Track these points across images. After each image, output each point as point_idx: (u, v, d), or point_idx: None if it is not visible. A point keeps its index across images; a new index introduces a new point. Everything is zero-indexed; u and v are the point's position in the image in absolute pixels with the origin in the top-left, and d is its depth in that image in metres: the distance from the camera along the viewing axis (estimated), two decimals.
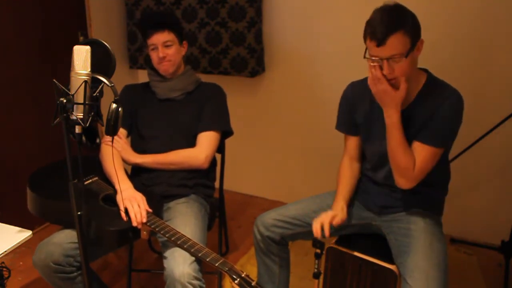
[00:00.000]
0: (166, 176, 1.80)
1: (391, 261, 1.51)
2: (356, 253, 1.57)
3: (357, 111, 1.65)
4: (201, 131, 1.85)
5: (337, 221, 1.53)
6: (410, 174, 1.45)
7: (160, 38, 1.81)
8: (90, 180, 1.71)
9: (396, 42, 1.34)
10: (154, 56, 1.84)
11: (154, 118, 1.89)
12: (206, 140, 1.84)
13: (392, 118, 1.44)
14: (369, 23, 1.39)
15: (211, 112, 1.88)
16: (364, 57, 1.43)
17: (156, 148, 1.83)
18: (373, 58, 1.40)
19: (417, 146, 1.46)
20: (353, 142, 1.70)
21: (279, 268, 1.75)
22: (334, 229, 1.61)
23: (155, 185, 1.79)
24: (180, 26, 1.91)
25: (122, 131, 1.87)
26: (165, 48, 1.82)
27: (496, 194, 2.38)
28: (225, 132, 1.94)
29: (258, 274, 1.80)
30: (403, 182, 1.48)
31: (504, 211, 2.36)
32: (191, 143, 1.85)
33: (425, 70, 1.54)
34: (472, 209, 2.42)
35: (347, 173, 1.69)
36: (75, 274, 1.54)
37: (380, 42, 1.34)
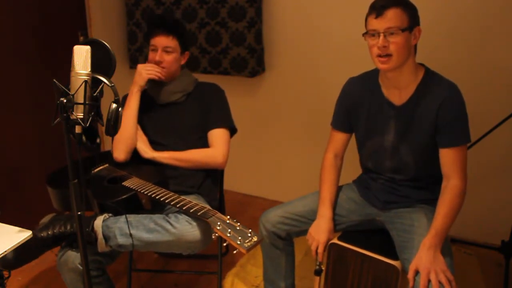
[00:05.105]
0: (171, 175, 1.78)
1: (393, 257, 1.51)
2: (357, 249, 1.57)
3: (356, 107, 1.65)
4: (212, 128, 1.84)
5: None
6: None
7: (163, 41, 1.79)
8: (101, 167, 1.76)
9: (394, 15, 1.40)
10: (151, 57, 1.83)
11: (158, 125, 1.87)
12: (220, 139, 1.82)
13: None
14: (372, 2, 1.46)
15: (219, 109, 1.88)
16: (363, 35, 1.48)
17: None
18: (370, 30, 1.44)
19: (448, 152, 1.48)
20: (345, 139, 1.74)
21: (284, 261, 1.75)
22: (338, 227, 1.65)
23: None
24: (186, 36, 1.88)
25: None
26: (164, 53, 1.80)
27: (496, 194, 2.38)
28: (231, 130, 1.92)
29: (264, 266, 1.81)
30: None
31: (504, 211, 2.35)
32: (200, 143, 1.84)
33: (423, 65, 1.55)
34: (472, 209, 2.41)
35: (333, 173, 1.72)
36: (100, 279, 1.58)
37: (379, 13, 1.40)
